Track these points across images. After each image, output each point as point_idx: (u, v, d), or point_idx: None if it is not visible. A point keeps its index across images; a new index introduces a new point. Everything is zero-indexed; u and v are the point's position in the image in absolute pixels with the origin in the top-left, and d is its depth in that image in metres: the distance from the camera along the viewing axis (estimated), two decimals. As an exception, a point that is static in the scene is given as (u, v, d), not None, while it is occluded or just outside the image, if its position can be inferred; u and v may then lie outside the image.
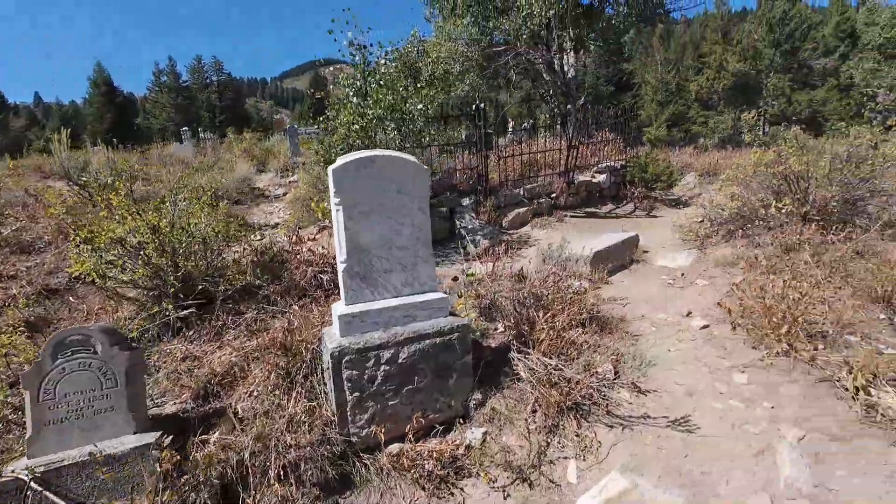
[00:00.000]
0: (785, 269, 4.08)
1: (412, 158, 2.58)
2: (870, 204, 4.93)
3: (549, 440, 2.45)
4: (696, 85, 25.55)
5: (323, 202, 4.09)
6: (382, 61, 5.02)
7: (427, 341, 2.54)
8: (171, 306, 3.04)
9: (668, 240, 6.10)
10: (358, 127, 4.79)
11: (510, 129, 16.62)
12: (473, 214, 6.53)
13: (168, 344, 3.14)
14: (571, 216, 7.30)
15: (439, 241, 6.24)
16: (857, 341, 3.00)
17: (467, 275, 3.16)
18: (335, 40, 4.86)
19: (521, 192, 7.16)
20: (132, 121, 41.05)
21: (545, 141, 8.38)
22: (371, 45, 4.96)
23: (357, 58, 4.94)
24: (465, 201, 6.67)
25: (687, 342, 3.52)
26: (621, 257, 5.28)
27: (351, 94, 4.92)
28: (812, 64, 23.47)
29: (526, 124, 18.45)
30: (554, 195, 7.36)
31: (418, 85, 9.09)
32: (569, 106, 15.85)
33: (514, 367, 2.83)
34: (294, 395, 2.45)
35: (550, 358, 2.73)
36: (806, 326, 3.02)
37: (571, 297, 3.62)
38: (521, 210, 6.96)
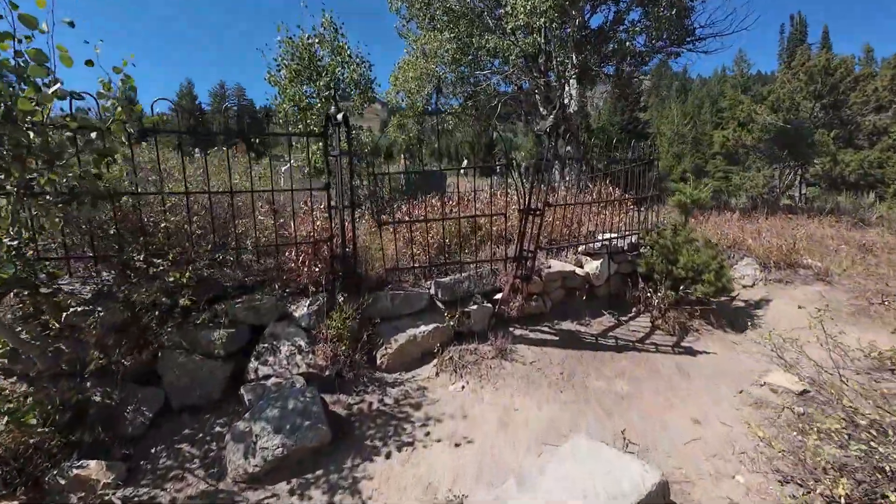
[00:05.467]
0: None
1: None
2: None
3: None
4: (723, 136, 22.52)
5: None
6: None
7: None
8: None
9: (733, 451, 2.51)
10: None
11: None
12: (305, 341, 3.05)
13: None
14: (529, 340, 3.77)
15: (196, 409, 2.73)
16: None
17: None
18: None
19: (432, 291, 3.69)
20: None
21: (512, 191, 4.99)
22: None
23: None
24: (302, 308, 3.20)
25: None
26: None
27: None
28: (859, 120, 20.32)
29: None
30: (499, 297, 3.86)
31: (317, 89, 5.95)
32: (568, 147, 12.73)
33: None
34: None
35: None
36: None
37: None
38: (422, 330, 3.45)
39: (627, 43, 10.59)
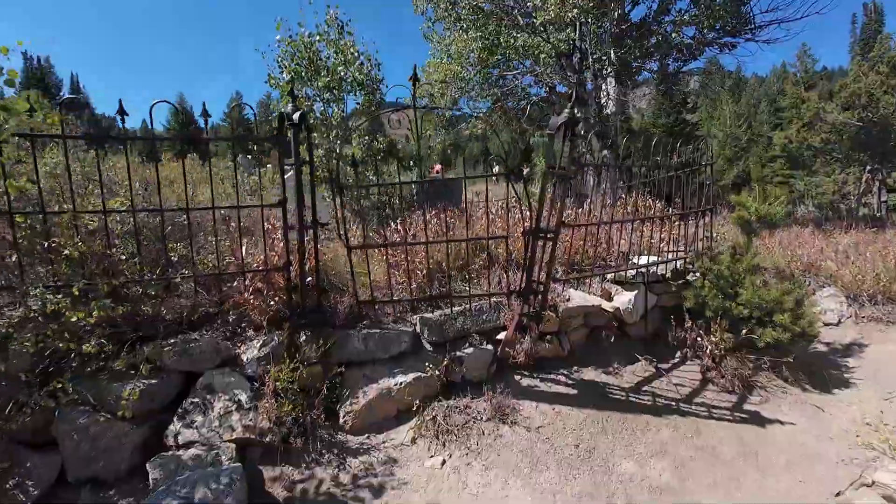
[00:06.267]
0: None
1: None
2: None
3: None
4: (784, 138, 20.27)
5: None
6: None
7: None
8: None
9: None
10: None
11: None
12: (248, 394, 2.45)
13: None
14: (538, 394, 2.98)
15: (99, 483, 2.19)
16: None
17: None
18: None
19: (417, 329, 3.00)
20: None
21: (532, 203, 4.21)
22: None
23: None
24: (251, 351, 2.62)
25: None
26: None
27: None
28: (955, 117, 17.55)
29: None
30: (502, 337, 3.11)
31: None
32: (605, 152, 11.65)
33: None
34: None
35: None
36: None
37: None
38: (398, 382, 2.76)
39: (673, 35, 9.46)
